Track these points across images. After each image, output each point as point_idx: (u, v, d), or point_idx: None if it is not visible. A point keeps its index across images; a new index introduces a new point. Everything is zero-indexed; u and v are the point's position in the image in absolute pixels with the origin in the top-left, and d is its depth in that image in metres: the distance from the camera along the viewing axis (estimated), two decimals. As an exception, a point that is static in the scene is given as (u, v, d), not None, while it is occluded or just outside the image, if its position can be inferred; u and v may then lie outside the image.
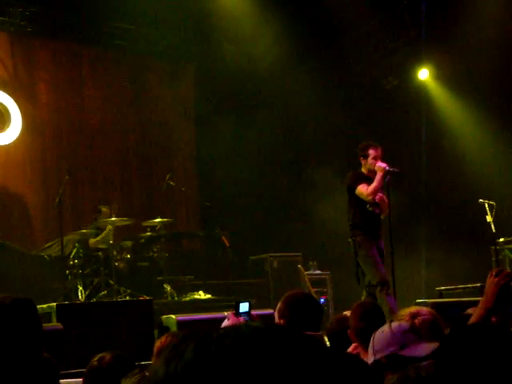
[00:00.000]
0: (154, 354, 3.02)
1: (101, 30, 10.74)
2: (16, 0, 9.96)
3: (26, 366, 2.08)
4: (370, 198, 6.78)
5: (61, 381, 3.19)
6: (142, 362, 3.81)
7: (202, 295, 9.31)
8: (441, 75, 10.46)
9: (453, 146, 10.09)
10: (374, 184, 6.75)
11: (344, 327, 3.42)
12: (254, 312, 3.32)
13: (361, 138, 7.56)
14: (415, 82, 10.69)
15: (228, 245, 9.67)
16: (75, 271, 8.60)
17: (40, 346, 2.15)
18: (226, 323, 3.10)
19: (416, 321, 2.82)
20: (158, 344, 3.03)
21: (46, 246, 9.38)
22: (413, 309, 2.94)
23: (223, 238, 9.68)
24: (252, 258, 10.62)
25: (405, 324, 2.64)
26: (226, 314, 6.77)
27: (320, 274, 10.20)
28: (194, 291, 9.36)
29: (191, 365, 0.71)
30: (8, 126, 9.84)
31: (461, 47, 9.62)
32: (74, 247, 8.76)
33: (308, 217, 10.89)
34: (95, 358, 2.93)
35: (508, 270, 3.72)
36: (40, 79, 10.50)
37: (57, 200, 8.48)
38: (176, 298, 9.04)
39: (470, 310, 3.14)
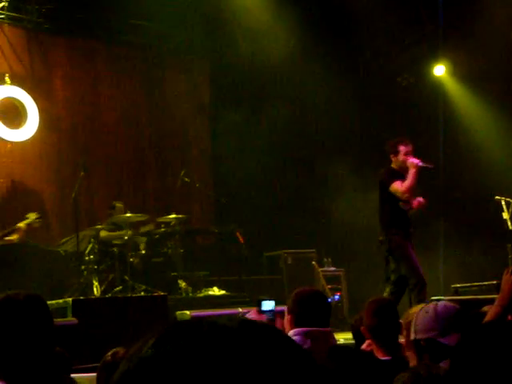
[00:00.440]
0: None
1: (116, 27, 10.77)
2: (32, -3, 10.03)
3: (37, 360, 2.09)
4: (405, 196, 6.64)
5: (75, 375, 3.21)
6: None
7: (216, 291, 9.32)
8: (457, 72, 10.38)
9: (470, 143, 10.02)
10: (409, 181, 6.59)
11: None
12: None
13: (375, 134, 7.52)
14: (431, 79, 10.62)
15: (242, 241, 9.66)
16: (90, 267, 8.64)
17: (52, 341, 2.16)
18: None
19: None
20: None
21: (62, 241, 9.44)
22: (419, 307, 2.94)
23: (238, 234, 9.68)
24: (266, 254, 10.61)
25: (452, 306, 2.55)
26: (239, 310, 6.78)
27: (334, 271, 10.18)
28: (208, 287, 9.37)
29: (145, 362, 0.68)
30: (25, 123, 9.89)
31: (478, 43, 9.54)
32: (90, 243, 8.80)
33: (323, 213, 10.87)
34: (109, 353, 2.94)
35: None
36: (56, 76, 10.55)
37: (72, 196, 8.52)
38: (190, 294, 9.05)
39: (485, 308, 3.12)
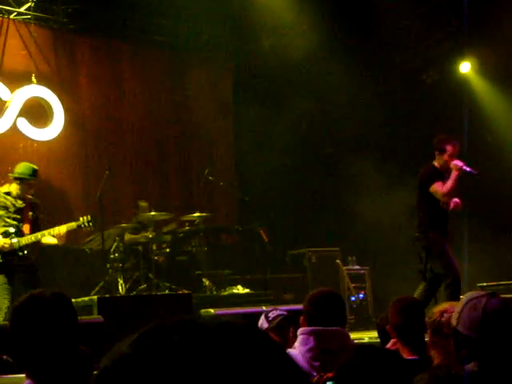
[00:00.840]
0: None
1: (140, 26, 10.84)
2: (58, -3, 10.13)
3: (62, 359, 2.11)
4: (445, 198, 6.59)
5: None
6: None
7: (240, 289, 9.34)
8: (483, 69, 10.27)
9: (495, 140, 9.91)
10: (449, 183, 6.53)
11: None
12: (290, 307, 3.34)
13: (399, 133, 7.47)
14: (456, 76, 10.52)
15: (266, 239, 9.66)
16: (115, 265, 8.71)
17: (76, 339, 2.18)
18: None
19: (443, 318, 2.79)
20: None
21: (88, 240, 9.51)
22: (444, 306, 2.92)
23: (262, 232, 9.68)
24: (290, 252, 10.60)
25: (500, 309, 2.39)
26: (263, 308, 6.78)
27: (359, 269, 10.14)
28: (232, 285, 9.39)
29: (123, 359, 0.69)
30: (51, 122, 9.98)
31: (503, 40, 9.44)
32: (115, 241, 8.86)
33: (347, 211, 10.83)
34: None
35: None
36: (81, 75, 10.64)
37: (98, 194, 8.58)
38: (214, 292, 9.08)
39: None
